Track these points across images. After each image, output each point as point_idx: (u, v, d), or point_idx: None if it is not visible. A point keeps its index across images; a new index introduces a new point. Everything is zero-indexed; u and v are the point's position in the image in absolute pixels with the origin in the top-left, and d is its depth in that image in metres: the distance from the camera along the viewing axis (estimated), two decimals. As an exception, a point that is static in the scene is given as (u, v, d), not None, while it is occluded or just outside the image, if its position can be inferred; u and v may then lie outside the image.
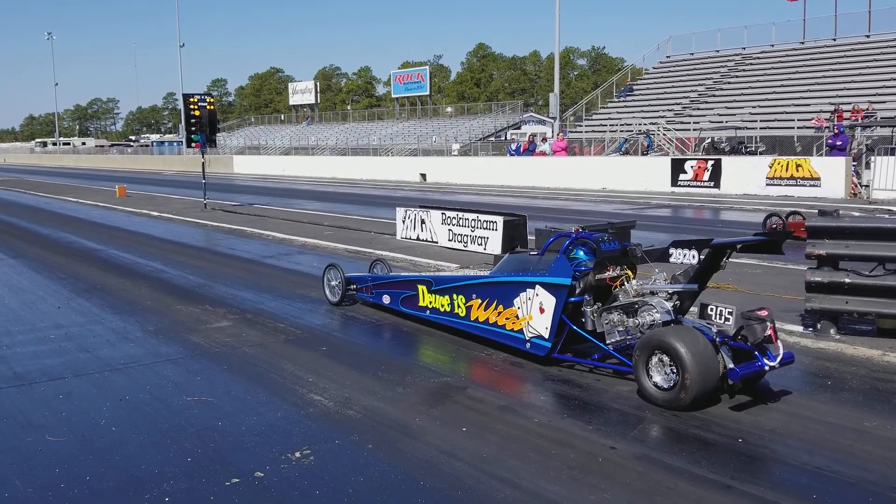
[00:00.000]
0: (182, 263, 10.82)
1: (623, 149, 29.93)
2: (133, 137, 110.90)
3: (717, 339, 4.77)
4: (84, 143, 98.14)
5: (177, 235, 14.36)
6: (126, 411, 4.86)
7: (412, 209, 12.79)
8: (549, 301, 5.45)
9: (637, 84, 41.02)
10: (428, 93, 63.30)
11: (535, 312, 5.56)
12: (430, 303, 6.65)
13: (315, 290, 8.64)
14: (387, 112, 69.83)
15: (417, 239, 12.46)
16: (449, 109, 64.74)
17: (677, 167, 23.33)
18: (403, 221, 12.92)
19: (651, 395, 4.76)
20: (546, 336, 5.48)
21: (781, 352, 4.82)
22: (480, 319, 6.11)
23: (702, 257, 5.14)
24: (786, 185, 20.25)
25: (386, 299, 7.29)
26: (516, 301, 5.73)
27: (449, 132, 52.53)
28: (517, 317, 5.72)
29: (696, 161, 23.09)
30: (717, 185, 21.99)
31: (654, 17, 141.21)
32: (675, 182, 23.13)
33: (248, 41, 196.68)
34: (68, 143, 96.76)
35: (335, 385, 5.30)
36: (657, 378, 4.76)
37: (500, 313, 5.90)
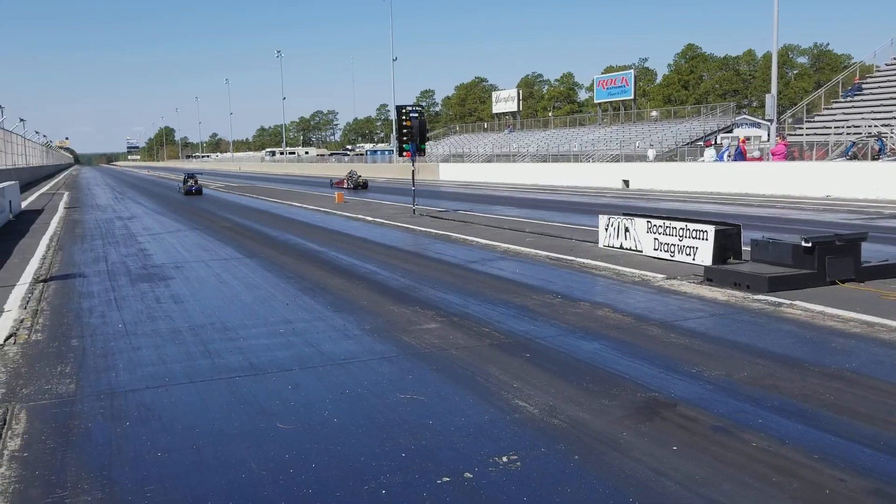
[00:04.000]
0: (394, 266, 11.40)
1: (850, 153, 27.39)
2: (349, 146, 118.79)
3: None
4: (307, 153, 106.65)
5: (389, 239, 15.15)
6: (346, 404, 5.20)
7: (616, 217, 12.55)
8: None
9: (866, 83, 37.29)
10: (632, 97, 61.82)
11: None
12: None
13: (518, 296, 8.76)
14: (588, 118, 69.09)
15: (620, 247, 12.21)
16: (654, 113, 62.79)
17: (917, 173, 20.94)
18: (606, 229, 12.71)
19: None
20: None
21: None
22: None
23: None
24: None
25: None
26: None
27: (653, 137, 50.94)
28: None
29: (940, 166, 20.61)
30: (966, 193, 19.47)
31: (885, 9, 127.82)
32: (913, 189, 20.79)
33: (455, 52, 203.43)
34: (293, 153, 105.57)
35: (540, 392, 5.33)
36: None
37: None
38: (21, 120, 63.79)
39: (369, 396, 5.35)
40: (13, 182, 26.99)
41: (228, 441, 4.57)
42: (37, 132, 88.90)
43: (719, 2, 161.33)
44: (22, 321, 7.93)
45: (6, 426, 4.86)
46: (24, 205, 28.35)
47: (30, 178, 54.48)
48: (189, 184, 34.33)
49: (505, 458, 4.19)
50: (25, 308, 8.65)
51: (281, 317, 7.98)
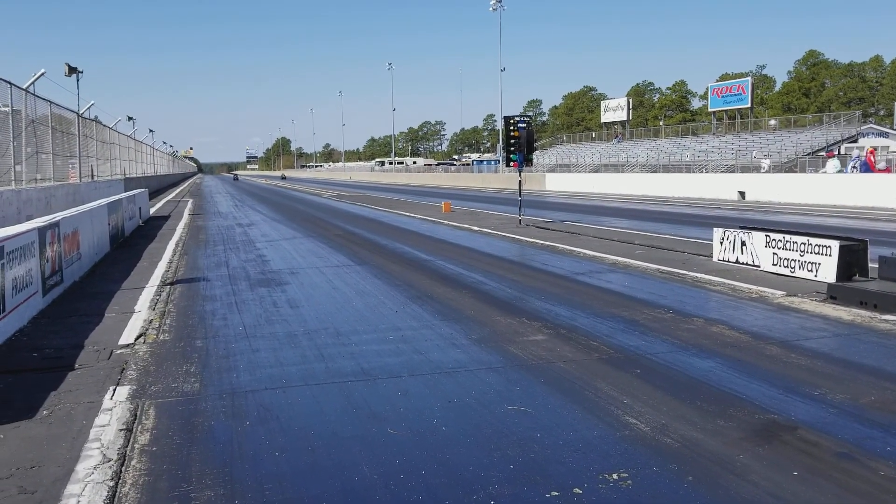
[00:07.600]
0: (500, 276, 11.42)
1: None
2: (456, 157, 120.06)
3: None
4: (415, 163, 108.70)
5: (495, 249, 15.19)
6: (454, 413, 5.25)
7: (731, 230, 12.11)
8: None
9: None
10: (749, 105, 59.58)
11: None
12: None
13: (628, 310, 8.60)
14: (702, 127, 67.00)
15: (736, 262, 11.77)
16: (772, 122, 60.22)
17: None
18: (721, 243, 12.29)
19: None
20: None
21: None
22: None
23: None
24: None
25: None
26: None
27: (771, 146, 48.91)
28: None
29: None
30: None
31: None
32: None
33: (563, 61, 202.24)
34: (402, 163, 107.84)
35: (651, 410, 5.22)
36: None
37: None
38: (150, 131, 68.31)
39: (477, 406, 5.38)
40: (143, 189, 28.80)
41: (341, 444, 4.71)
42: (164, 142, 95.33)
43: (842, 10, 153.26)
44: (151, 321, 8.44)
45: (137, 421, 5.19)
46: (152, 211, 30.17)
47: (157, 186, 57.93)
48: (234, 176, 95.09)
49: (615, 476, 4.12)
50: (154, 309, 9.19)
51: (390, 324, 8.15)
